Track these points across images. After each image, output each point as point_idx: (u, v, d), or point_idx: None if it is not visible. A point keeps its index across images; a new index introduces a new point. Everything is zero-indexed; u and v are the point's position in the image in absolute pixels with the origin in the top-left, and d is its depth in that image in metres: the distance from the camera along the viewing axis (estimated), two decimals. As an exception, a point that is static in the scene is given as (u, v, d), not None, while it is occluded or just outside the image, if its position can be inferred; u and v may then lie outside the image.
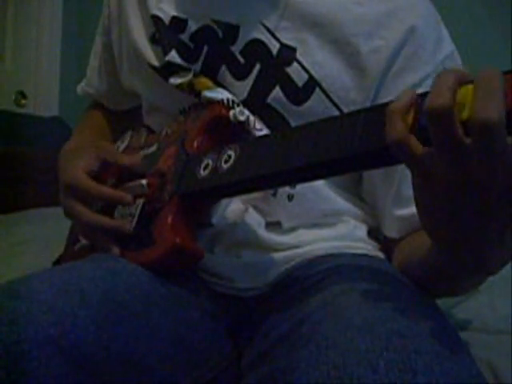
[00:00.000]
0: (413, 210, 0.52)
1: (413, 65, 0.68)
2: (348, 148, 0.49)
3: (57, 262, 0.90)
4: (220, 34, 0.72)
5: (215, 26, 0.72)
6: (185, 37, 0.74)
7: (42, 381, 0.48)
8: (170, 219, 0.64)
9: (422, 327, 0.49)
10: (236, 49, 0.71)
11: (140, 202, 0.70)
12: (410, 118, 0.43)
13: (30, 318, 0.50)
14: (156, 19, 0.75)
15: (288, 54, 0.69)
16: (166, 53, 0.73)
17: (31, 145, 2.04)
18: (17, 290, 0.53)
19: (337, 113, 0.69)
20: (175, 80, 0.73)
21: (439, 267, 0.56)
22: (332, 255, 0.69)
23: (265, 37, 0.70)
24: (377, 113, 0.47)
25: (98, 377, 0.52)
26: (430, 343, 0.46)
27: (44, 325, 0.50)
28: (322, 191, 0.72)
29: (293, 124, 0.69)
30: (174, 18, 0.74)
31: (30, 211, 1.76)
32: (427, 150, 0.43)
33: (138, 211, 0.69)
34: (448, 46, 0.72)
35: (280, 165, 0.54)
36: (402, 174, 0.67)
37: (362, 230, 0.75)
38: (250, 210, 0.71)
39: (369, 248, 0.73)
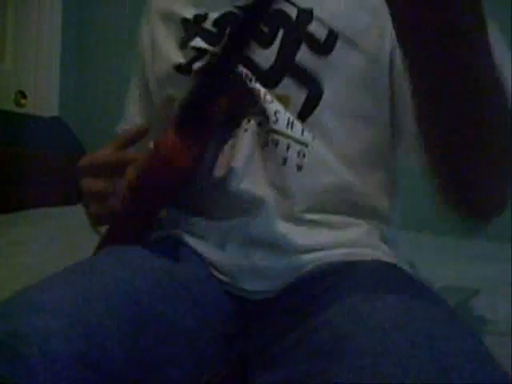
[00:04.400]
0: None
1: None
2: None
3: None
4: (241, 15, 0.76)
5: (235, 10, 0.77)
6: (207, 24, 0.78)
7: None
8: (169, 136, 0.66)
9: (450, 330, 0.49)
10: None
11: None
12: None
13: (58, 335, 0.48)
14: (184, 21, 0.81)
15: (306, 15, 0.75)
16: (190, 40, 0.77)
17: (31, 145, 2.04)
18: (39, 302, 0.51)
19: (360, 57, 0.73)
20: (198, 65, 0.76)
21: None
22: (345, 263, 0.68)
23: (284, 6, 0.75)
24: None
25: (118, 381, 0.51)
26: (458, 345, 0.47)
27: (73, 340, 0.49)
28: (331, 163, 0.73)
29: (322, 78, 0.73)
30: (196, 15, 0.80)
31: (29, 211, 1.76)
32: None
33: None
34: None
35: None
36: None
37: (375, 236, 0.74)
38: (267, 198, 0.71)
39: (381, 255, 0.72)
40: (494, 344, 0.73)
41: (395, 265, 0.71)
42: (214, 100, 0.68)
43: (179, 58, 0.80)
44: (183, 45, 0.81)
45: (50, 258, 1.17)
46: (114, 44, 2.51)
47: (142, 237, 0.73)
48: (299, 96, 0.73)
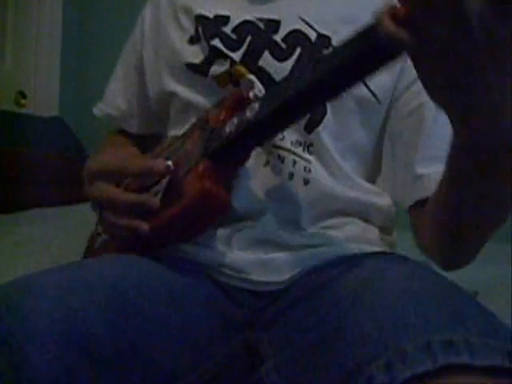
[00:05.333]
0: (436, 168, 0.59)
1: None
2: (344, 54, 0.53)
3: None
4: (262, 27, 0.78)
5: (257, 21, 0.78)
6: (227, 29, 0.79)
7: (53, 376, 0.49)
8: (200, 172, 0.66)
9: (458, 292, 0.55)
10: (278, 37, 0.77)
11: (165, 180, 0.71)
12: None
13: (39, 315, 0.51)
14: (200, 18, 0.80)
15: (324, 41, 0.77)
16: (209, 40, 0.78)
17: (31, 145, 2.04)
18: (24, 287, 0.54)
19: (367, 92, 0.76)
20: (215, 70, 0.77)
21: (465, 178, 0.58)
22: (350, 253, 0.71)
23: (303, 27, 0.77)
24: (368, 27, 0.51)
25: (107, 371, 0.53)
26: (469, 302, 0.53)
27: (53, 321, 0.51)
28: (332, 179, 0.75)
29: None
30: (216, 15, 0.80)
31: (30, 211, 1.76)
32: (414, 27, 0.46)
33: (164, 185, 0.70)
34: None
35: (295, 87, 0.58)
36: (425, 136, 0.73)
37: (372, 233, 0.77)
38: (270, 206, 0.73)
39: (379, 249, 0.74)
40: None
41: (396, 254, 0.75)
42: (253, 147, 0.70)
43: (192, 56, 0.80)
44: (193, 41, 0.81)
45: (50, 257, 1.17)
46: (115, 44, 2.50)
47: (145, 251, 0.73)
48: None
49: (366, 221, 0.77)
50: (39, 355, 0.49)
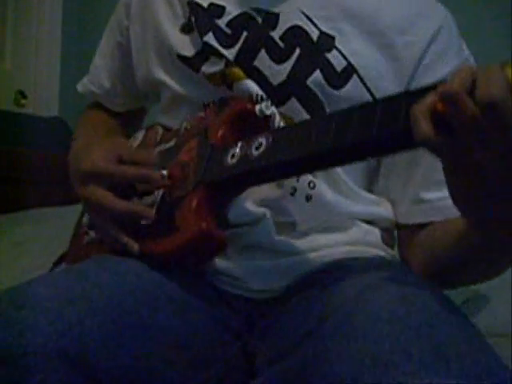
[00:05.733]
0: (441, 194, 0.59)
1: (442, 59, 0.73)
2: (371, 134, 0.51)
3: (61, 259, 0.89)
4: (259, 21, 0.73)
5: (254, 13, 0.73)
6: (222, 22, 0.74)
7: None
8: (195, 205, 0.63)
9: (449, 320, 0.50)
10: (276, 34, 0.72)
11: (160, 192, 0.69)
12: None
13: (36, 329, 0.49)
14: (193, 5, 0.75)
15: (328, 41, 0.72)
16: (202, 34, 0.73)
17: (31, 145, 2.04)
18: (21, 299, 0.52)
19: (370, 99, 0.72)
20: (207, 69, 0.73)
21: (478, 246, 0.59)
22: (347, 259, 0.69)
23: (304, 23, 0.72)
24: (397, 102, 0.50)
25: (100, 379, 0.51)
26: (459, 333, 0.48)
27: (51, 336, 0.49)
28: (333, 193, 0.72)
29: (328, 108, 0.71)
30: (211, 4, 0.75)
31: (30, 211, 1.75)
32: (452, 142, 0.45)
33: (159, 199, 0.68)
34: (466, 48, 0.78)
35: (310, 149, 0.56)
36: (430, 159, 0.70)
37: (374, 235, 0.75)
38: (268, 214, 0.70)
39: (381, 253, 0.73)
40: (494, 344, 0.73)
41: (395, 259, 0.73)
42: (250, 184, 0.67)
43: (184, 47, 0.75)
44: (185, 30, 0.76)
45: (51, 257, 1.16)
46: (114, 44, 2.51)
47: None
48: None
49: (369, 223, 0.75)
50: (35, 372, 0.48)
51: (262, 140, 0.60)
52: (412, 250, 0.72)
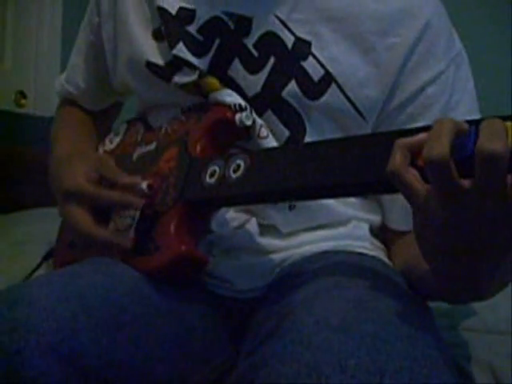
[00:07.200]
0: None
1: (427, 62, 0.68)
2: (351, 174, 0.49)
3: (48, 255, 0.89)
4: (232, 26, 0.69)
5: (226, 18, 0.69)
6: (192, 28, 0.70)
7: None
8: (174, 226, 0.63)
9: (400, 330, 0.48)
10: (249, 41, 0.69)
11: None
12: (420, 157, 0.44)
13: (30, 326, 0.49)
14: (162, 11, 0.71)
15: (303, 47, 0.68)
16: (172, 46, 0.69)
17: (31, 145, 2.04)
18: (16, 297, 0.53)
19: (351, 109, 0.68)
20: (180, 79, 0.69)
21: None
22: (326, 253, 0.68)
23: (279, 29, 0.68)
24: (383, 140, 0.48)
25: (99, 383, 0.51)
26: (403, 347, 0.45)
27: (44, 332, 0.49)
28: (325, 200, 0.71)
29: (306, 120, 0.68)
30: (181, 8, 0.71)
31: (29, 211, 1.75)
32: (424, 187, 0.43)
33: (138, 215, 0.67)
34: (457, 44, 0.72)
35: (289, 182, 0.54)
36: None
37: (362, 229, 0.74)
38: (252, 220, 0.70)
39: (368, 247, 0.72)
40: (495, 343, 0.73)
41: (378, 258, 0.71)
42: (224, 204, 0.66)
43: (154, 55, 0.72)
44: (157, 37, 0.73)
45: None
46: (114, 44, 2.50)
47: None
48: (280, 134, 0.69)
49: (357, 219, 0.75)
50: (29, 368, 0.47)
51: (241, 162, 0.59)
52: (394, 253, 0.72)
